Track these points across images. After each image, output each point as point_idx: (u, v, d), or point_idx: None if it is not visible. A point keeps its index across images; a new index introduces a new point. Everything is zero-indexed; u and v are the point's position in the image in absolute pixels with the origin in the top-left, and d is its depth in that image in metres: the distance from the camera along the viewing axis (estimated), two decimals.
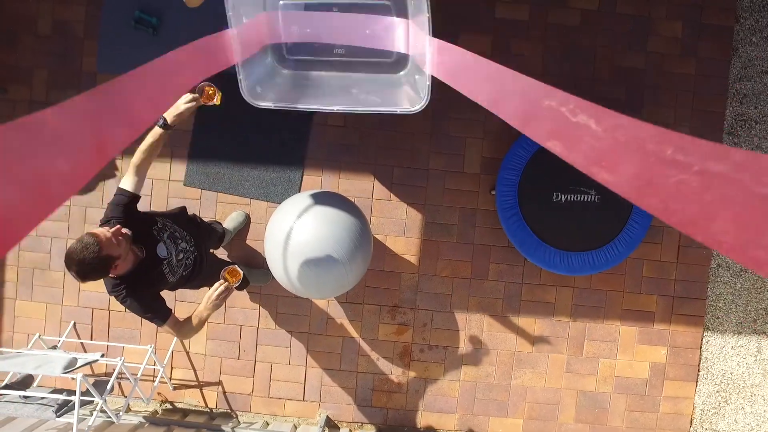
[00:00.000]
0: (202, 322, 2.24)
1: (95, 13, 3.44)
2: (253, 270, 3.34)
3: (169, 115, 2.17)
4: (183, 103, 2.17)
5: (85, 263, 1.87)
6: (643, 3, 3.38)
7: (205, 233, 2.81)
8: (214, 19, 3.36)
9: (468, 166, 3.40)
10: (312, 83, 2.03)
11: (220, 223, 3.28)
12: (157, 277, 2.22)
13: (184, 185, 3.44)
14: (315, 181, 3.41)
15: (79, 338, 3.44)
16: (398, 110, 1.89)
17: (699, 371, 3.45)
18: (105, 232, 1.96)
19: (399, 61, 1.98)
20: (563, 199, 3.19)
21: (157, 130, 2.15)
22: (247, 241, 3.42)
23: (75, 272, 1.88)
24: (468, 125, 3.40)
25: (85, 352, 3.42)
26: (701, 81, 3.39)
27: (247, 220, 3.40)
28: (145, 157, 2.16)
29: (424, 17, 1.71)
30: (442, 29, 3.37)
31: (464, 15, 3.39)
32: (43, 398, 2.67)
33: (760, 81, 3.40)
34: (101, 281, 2.09)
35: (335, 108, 1.89)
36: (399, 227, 3.41)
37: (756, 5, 3.39)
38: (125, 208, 2.15)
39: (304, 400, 3.45)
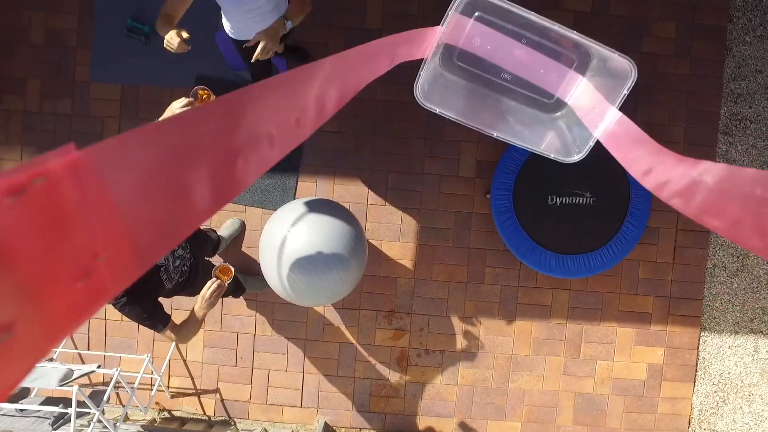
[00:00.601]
0: (198, 323, 2.25)
1: (88, 23, 3.43)
2: (249, 277, 3.34)
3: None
4: (178, 107, 2.15)
5: None
6: (637, 4, 3.37)
7: (201, 240, 2.81)
8: (207, 26, 3.37)
9: (463, 170, 3.40)
10: (471, 95, 2.07)
11: (215, 231, 3.28)
12: (154, 284, 2.22)
13: None
14: (310, 187, 3.40)
15: (75, 348, 3.44)
16: (552, 155, 1.95)
17: (696, 371, 3.45)
18: None
19: (556, 105, 2.02)
20: (558, 202, 3.19)
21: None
22: (243, 249, 3.42)
23: None
24: (463, 129, 3.37)
25: (82, 362, 3.42)
26: (696, 81, 3.38)
27: (242, 228, 3.40)
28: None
29: (617, 84, 1.77)
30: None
31: None
32: (39, 411, 2.67)
33: (754, 80, 3.39)
34: None
35: (495, 134, 1.91)
36: (394, 232, 3.40)
37: (748, 4, 3.38)
38: None
39: (302, 407, 3.45)
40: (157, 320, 2.19)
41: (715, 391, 3.44)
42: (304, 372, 3.44)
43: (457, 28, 1.90)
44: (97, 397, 2.82)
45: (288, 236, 2.63)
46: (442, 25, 1.78)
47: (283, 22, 2.19)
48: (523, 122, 2.03)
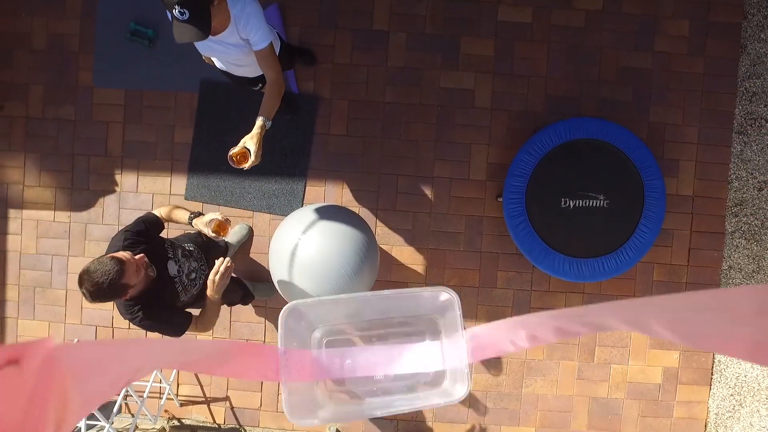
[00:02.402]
0: (216, 307, 2.28)
1: (90, 27, 3.38)
2: (258, 284, 3.29)
3: (196, 223, 2.29)
4: (206, 221, 2.27)
5: (102, 287, 1.84)
6: (649, 2, 3.31)
7: (212, 251, 2.76)
8: None
9: (474, 173, 3.34)
10: (354, 409, 2.13)
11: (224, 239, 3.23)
12: (170, 296, 2.19)
13: (185, 199, 3.38)
14: (318, 191, 3.35)
15: None
16: (443, 403, 1.97)
17: (712, 375, 3.40)
18: (130, 258, 1.92)
19: (438, 375, 2.08)
20: (571, 205, 3.13)
21: (185, 219, 2.30)
22: (251, 255, 3.37)
23: (87, 292, 1.85)
24: (473, 132, 3.34)
25: None
26: (709, 80, 3.32)
27: (250, 234, 3.35)
28: (170, 219, 2.34)
29: (459, 333, 1.82)
30: (441, 33, 3.31)
31: (465, 18, 3.32)
32: None
33: None
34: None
35: (379, 413, 1.95)
36: (405, 237, 3.35)
37: (764, 1, 3.32)
38: (154, 225, 2.24)
39: None
40: (177, 327, 2.20)
41: (731, 395, 3.39)
42: None
43: (314, 364, 1.95)
44: (106, 408, 2.78)
45: (299, 243, 2.58)
46: (280, 346, 1.78)
47: (263, 123, 2.18)
48: (420, 403, 2.09)
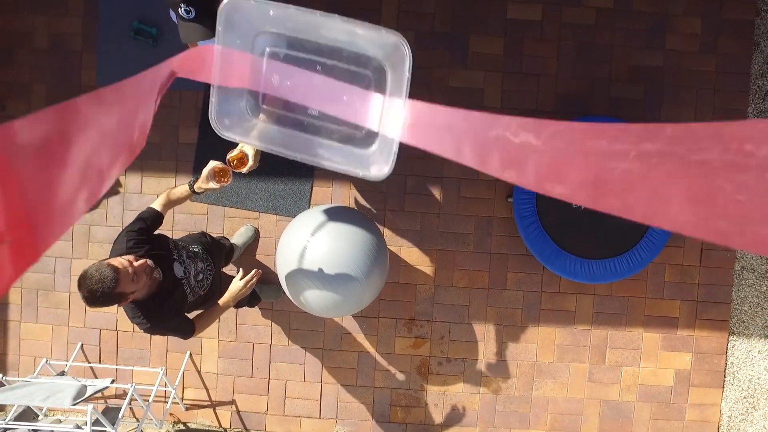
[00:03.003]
0: (223, 312, 2.31)
1: (92, 25, 3.33)
2: (264, 286, 3.24)
3: (198, 184, 2.23)
4: (208, 170, 2.20)
5: (96, 295, 1.81)
6: None
7: (218, 252, 2.71)
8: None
9: (483, 173, 3.29)
10: (281, 136, 1.95)
11: (228, 239, 3.18)
12: (179, 299, 2.15)
13: (191, 200, 3.32)
14: (325, 192, 3.30)
15: (87, 360, 3.35)
16: (360, 173, 1.82)
17: (725, 377, 3.36)
18: (127, 266, 1.87)
19: (368, 137, 1.88)
20: (582, 206, 3.08)
21: (186, 189, 2.24)
22: (257, 257, 3.32)
23: (84, 298, 1.84)
24: None
25: (94, 375, 3.33)
26: (722, 78, 3.27)
27: (256, 235, 3.30)
28: (170, 203, 2.26)
29: (401, 98, 1.64)
30: (450, 30, 3.26)
31: (474, 16, 3.27)
32: (52, 431, 2.58)
33: None
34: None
35: (298, 156, 1.83)
36: (413, 238, 3.30)
37: None
38: (155, 220, 2.17)
39: (320, 417, 3.36)
40: (182, 333, 2.19)
41: (744, 397, 3.35)
42: (322, 382, 3.35)
43: (254, 68, 1.78)
44: (110, 413, 2.73)
45: (308, 246, 2.53)
46: (218, 44, 1.65)
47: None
48: (339, 158, 1.90)
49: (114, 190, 3.37)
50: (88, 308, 3.33)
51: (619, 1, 3.27)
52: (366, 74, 1.83)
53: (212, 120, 1.74)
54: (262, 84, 1.80)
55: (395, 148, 1.67)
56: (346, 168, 1.82)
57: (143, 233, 2.10)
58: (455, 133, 1.32)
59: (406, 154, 3.27)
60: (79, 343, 3.36)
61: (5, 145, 0.63)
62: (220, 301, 2.32)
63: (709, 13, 3.26)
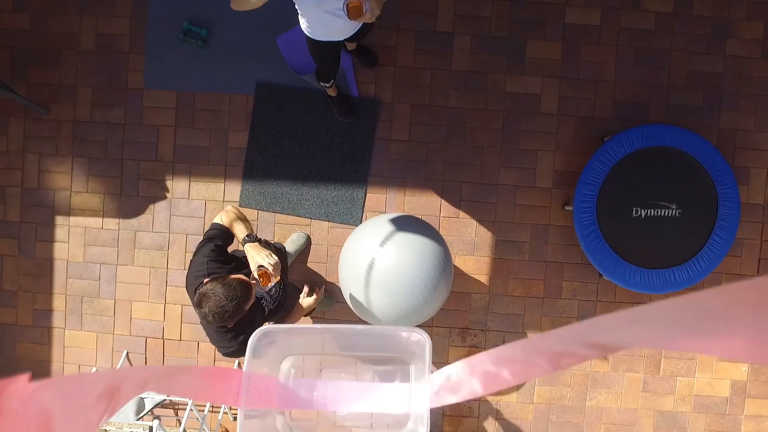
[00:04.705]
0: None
1: (141, 26, 3.25)
2: None
3: (250, 249, 2.05)
4: (265, 260, 2.01)
5: (225, 311, 1.76)
6: (722, 3, 3.20)
7: (283, 261, 2.64)
8: (267, 29, 3.20)
9: (540, 180, 3.24)
10: None
11: (283, 246, 3.12)
12: (260, 316, 2.09)
13: (240, 206, 3.27)
14: (379, 199, 3.24)
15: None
16: None
17: None
18: (252, 284, 1.88)
19: (401, 419, 2.03)
20: (643, 214, 3.04)
21: (241, 236, 2.09)
22: (308, 264, 3.26)
23: (209, 312, 1.78)
24: (539, 138, 3.23)
25: None
26: None
27: (308, 242, 3.24)
28: (231, 228, 2.12)
29: (425, 377, 1.76)
30: (507, 35, 3.20)
31: (531, 20, 3.21)
32: None
33: None
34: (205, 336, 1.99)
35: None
36: (468, 246, 3.24)
37: None
38: (226, 237, 2.10)
39: (371, 428, 3.30)
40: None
41: None
42: None
43: (280, 392, 1.90)
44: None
45: (376, 257, 2.48)
46: (245, 369, 1.75)
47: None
48: None
49: (161, 195, 3.30)
50: (139, 315, 3.27)
51: (679, 4, 3.21)
52: (390, 367, 2.04)
53: None
54: (292, 402, 1.93)
55: (427, 415, 1.76)
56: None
57: (221, 254, 2.03)
58: (485, 380, 1.47)
59: (459, 161, 3.21)
60: (125, 352, 3.30)
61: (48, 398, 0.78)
62: (293, 316, 2.29)
63: None
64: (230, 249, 2.15)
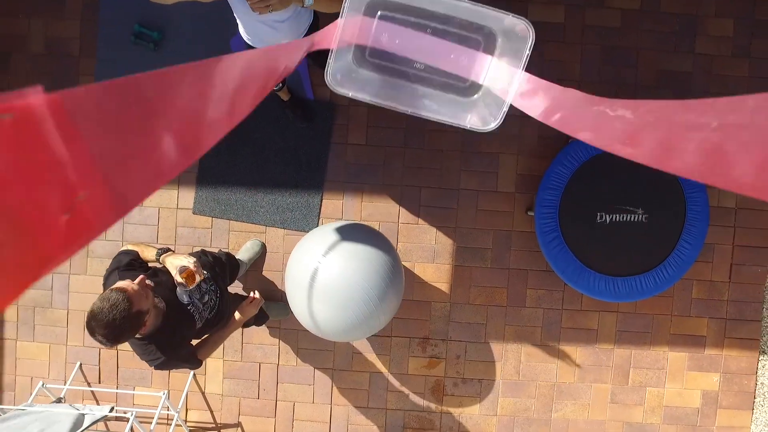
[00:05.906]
0: (227, 338, 2.33)
1: (91, 29, 3.16)
2: (272, 304, 3.09)
3: (166, 261, 2.03)
4: (180, 262, 1.99)
5: (116, 324, 1.65)
6: (690, 0, 3.08)
7: (219, 268, 2.54)
8: (218, 31, 3.10)
9: (502, 184, 3.13)
10: (386, 85, 2.09)
11: (231, 254, 3.02)
12: (188, 326, 2.01)
13: (193, 213, 3.18)
14: (336, 205, 3.14)
15: (86, 381, 3.21)
16: (468, 125, 1.96)
17: (755, 398, 3.20)
18: (131, 284, 1.73)
19: (472, 87, 2.05)
20: (608, 220, 2.92)
21: (154, 256, 2.06)
22: (264, 273, 3.16)
23: (103, 336, 1.66)
24: (501, 140, 3.12)
25: (94, 398, 3.18)
26: (756, 83, 3.09)
27: (263, 250, 3.14)
28: (140, 248, 2.11)
29: (520, 60, 1.81)
30: None
31: None
32: None
33: None
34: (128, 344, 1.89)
35: (409, 110, 1.96)
36: (428, 253, 3.14)
37: None
38: (137, 255, 2.05)
39: None
40: (192, 364, 2.16)
41: None
42: (332, 404, 3.20)
43: (363, 29, 1.95)
44: None
45: (319, 267, 2.38)
46: (342, 18, 1.82)
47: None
48: (441, 106, 2.06)
49: None
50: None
51: (646, 2, 3.09)
52: (477, 38, 1.97)
53: (328, 78, 1.88)
54: (371, 40, 1.96)
55: (506, 108, 1.83)
56: (450, 120, 1.96)
57: (134, 265, 1.97)
58: (556, 104, 1.54)
59: (418, 165, 3.11)
60: (78, 363, 3.22)
61: (76, 110, 0.64)
62: (227, 328, 2.20)
63: (743, 14, 3.08)
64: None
